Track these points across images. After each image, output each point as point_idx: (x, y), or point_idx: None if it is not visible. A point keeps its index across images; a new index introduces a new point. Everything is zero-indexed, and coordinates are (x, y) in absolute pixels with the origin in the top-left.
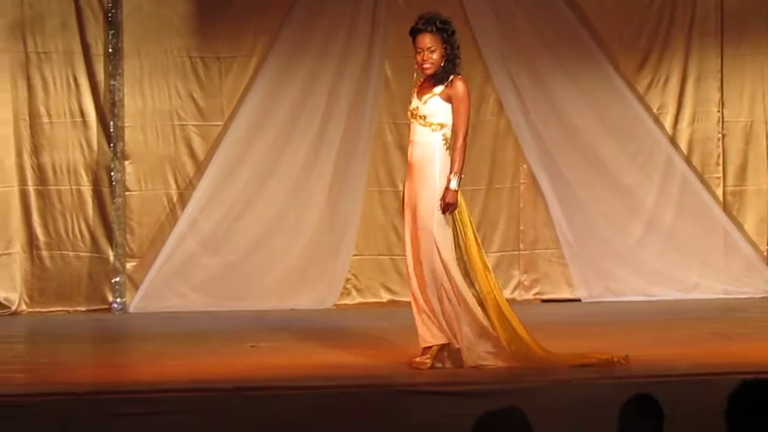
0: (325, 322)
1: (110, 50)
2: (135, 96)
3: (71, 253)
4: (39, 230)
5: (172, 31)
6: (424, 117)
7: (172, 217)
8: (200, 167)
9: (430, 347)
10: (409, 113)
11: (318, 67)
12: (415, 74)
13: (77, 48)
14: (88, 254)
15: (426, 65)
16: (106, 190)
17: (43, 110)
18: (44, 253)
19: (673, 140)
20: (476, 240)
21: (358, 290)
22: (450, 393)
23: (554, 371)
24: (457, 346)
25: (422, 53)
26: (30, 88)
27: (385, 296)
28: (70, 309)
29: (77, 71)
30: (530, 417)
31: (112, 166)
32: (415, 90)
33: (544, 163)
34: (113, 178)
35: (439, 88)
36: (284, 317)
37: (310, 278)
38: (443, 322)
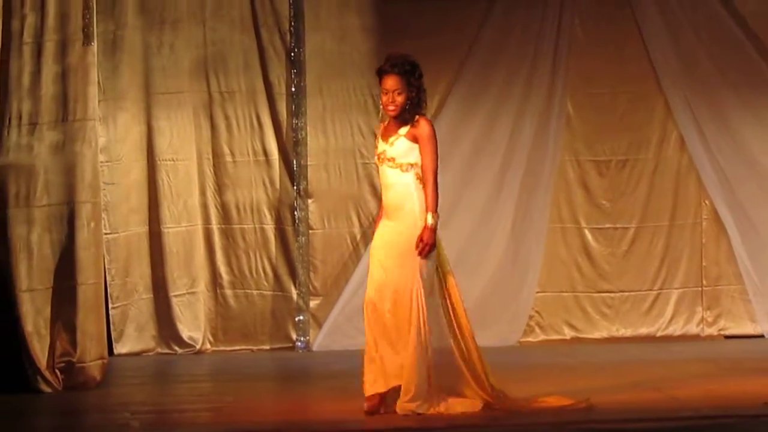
0: (509, 359)
1: (293, 89)
2: (317, 134)
3: (255, 292)
4: (222, 269)
5: (354, 70)
6: (393, 159)
7: (356, 255)
8: None
9: (374, 395)
10: (376, 158)
11: (499, 105)
12: (380, 116)
13: (260, 87)
14: (271, 293)
15: (390, 107)
16: (289, 229)
17: (226, 149)
18: (228, 292)
19: None
20: (456, 285)
21: (542, 327)
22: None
23: (524, 415)
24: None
25: (388, 95)
26: (213, 127)
27: (569, 333)
28: (254, 347)
29: (260, 110)
30: None
31: (295, 204)
32: (380, 133)
33: (727, 198)
34: (296, 217)
35: (404, 129)
36: None
37: (492, 315)
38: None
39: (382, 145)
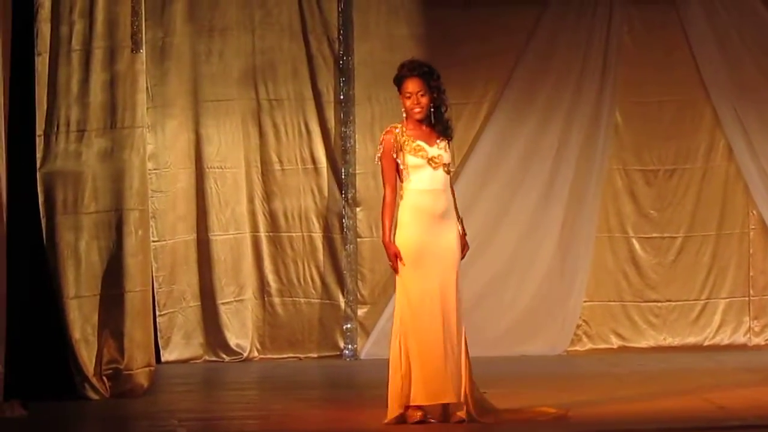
0: (556, 368)
1: (341, 97)
2: (366, 142)
3: (302, 300)
4: (270, 276)
5: None
6: (447, 165)
7: None
8: None
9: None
10: (426, 161)
11: (548, 113)
12: (401, 124)
13: (308, 95)
14: (319, 301)
15: (417, 110)
16: (337, 237)
17: (274, 157)
18: (275, 300)
19: None
20: None
21: (589, 336)
22: None
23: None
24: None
25: (412, 98)
26: (262, 135)
27: (616, 342)
28: (302, 356)
29: (308, 118)
30: None
31: (343, 212)
32: (411, 138)
33: None
34: (345, 225)
35: (442, 134)
36: (515, 363)
37: (540, 324)
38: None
39: (433, 150)
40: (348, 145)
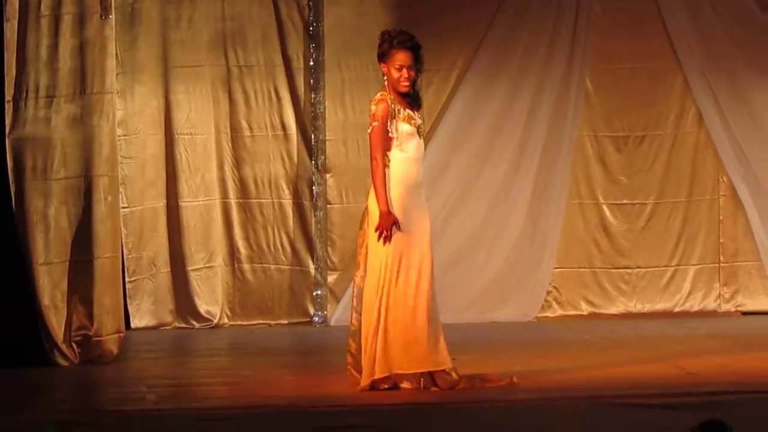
0: (527, 334)
1: (311, 63)
2: (336, 109)
3: (272, 266)
4: (240, 243)
5: (373, 44)
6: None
7: None
8: None
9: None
10: (415, 130)
11: (518, 80)
12: (386, 92)
13: (278, 61)
14: (289, 267)
15: (405, 83)
16: (307, 204)
17: (244, 123)
18: (246, 266)
19: None
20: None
21: (559, 303)
22: (668, 406)
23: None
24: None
25: (402, 70)
26: (231, 101)
27: (586, 309)
28: (272, 322)
29: (278, 84)
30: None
31: (313, 179)
32: (401, 106)
33: (744, 175)
34: (315, 192)
35: (414, 101)
36: (484, 329)
37: (510, 291)
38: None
39: (417, 118)
40: (318, 111)
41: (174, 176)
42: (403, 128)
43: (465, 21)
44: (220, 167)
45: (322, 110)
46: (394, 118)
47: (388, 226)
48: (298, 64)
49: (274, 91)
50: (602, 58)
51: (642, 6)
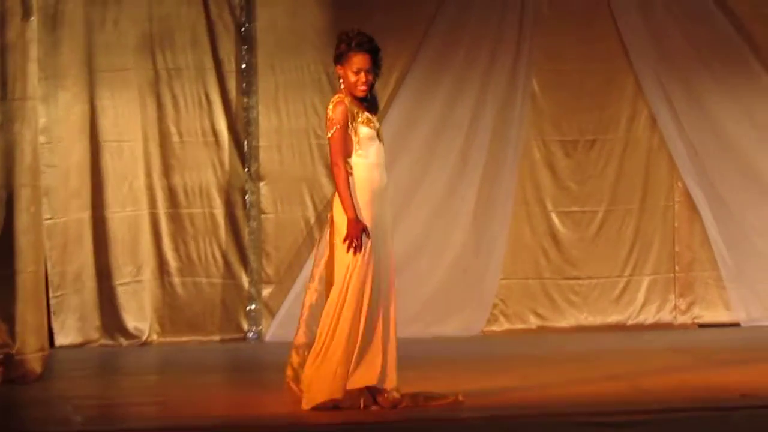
0: (472, 349)
1: (243, 66)
2: (269, 114)
3: (204, 280)
4: (170, 255)
5: (308, 46)
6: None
7: (310, 241)
8: None
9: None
10: (375, 133)
11: (461, 83)
12: (341, 96)
13: (209, 64)
14: (221, 280)
15: (363, 87)
16: (240, 213)
17: (173, 129)
18: (176, 280)
19: None
20: None
21: (506, 316)
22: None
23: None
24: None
25: (360, 74)
26: (160, 106)
27: (535, 322)
28: (203, 338)
29: (209, 88)
30: None
31: (246, 187)
32: (358, 111)
33: (700, 180)
34: (247, 201)
35: (372, 105)
36: (427, 344)
37: (455, 304)
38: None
39: (376, 123)
40: (251, 116)
41: (99, 185)
42: (363, 131)
43: (404, 22)
44: (148, 176)
45: (255, 115)
46: (354, 121)
47: (357, 234)
48: (229, 66)
49: (205, 95)
50: (549, 59)
51: (592, 4)
